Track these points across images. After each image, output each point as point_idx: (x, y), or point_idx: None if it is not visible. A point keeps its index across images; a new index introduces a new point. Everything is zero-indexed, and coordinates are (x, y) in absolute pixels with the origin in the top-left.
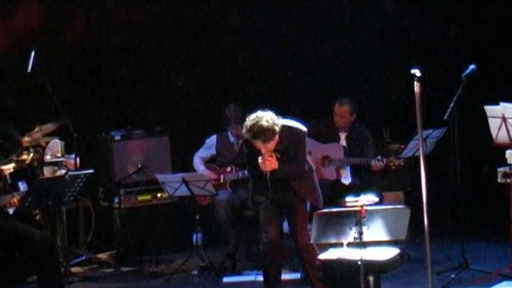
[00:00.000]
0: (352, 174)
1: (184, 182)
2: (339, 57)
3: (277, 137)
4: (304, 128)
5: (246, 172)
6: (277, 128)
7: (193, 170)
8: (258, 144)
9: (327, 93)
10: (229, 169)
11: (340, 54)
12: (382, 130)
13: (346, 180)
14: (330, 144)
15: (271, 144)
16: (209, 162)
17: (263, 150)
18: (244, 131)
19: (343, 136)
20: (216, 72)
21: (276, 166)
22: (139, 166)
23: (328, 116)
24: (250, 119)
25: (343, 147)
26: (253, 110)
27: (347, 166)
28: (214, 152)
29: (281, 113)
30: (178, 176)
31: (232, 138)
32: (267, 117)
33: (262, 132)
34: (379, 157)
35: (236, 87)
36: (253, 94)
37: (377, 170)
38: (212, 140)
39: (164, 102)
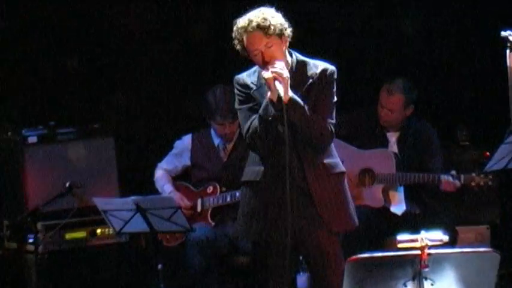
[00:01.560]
0: (408, 199)
1: (140, 210)
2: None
3: (284, 45)
4: (332, 66)
5: (237, 194)
6: (287, 31)
7: (155, 191)
8: (250, 38)
9: (366, 71)
10: (211, 189)
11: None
12: (455, 129)
13: (399, 207)
14: (373, 151)
15: (277, 47)
16: (180, 178)
17: (264, 55)
18: (234, 30)
19: (393, 138)
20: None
21: (287, 78)
22: (68, 185)
23: (370, 106)
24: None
25: (394, 155)
26: None
27: (400, 186)
28: (188, 163)
29: None
30: (130, 201)
31: (217, 141)
32: (267, 10)
33: (263, 18)
34: (452, 172)
35: (224, 64)
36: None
37: (449, 191)
38: (185, 143)
39: (107, 85)
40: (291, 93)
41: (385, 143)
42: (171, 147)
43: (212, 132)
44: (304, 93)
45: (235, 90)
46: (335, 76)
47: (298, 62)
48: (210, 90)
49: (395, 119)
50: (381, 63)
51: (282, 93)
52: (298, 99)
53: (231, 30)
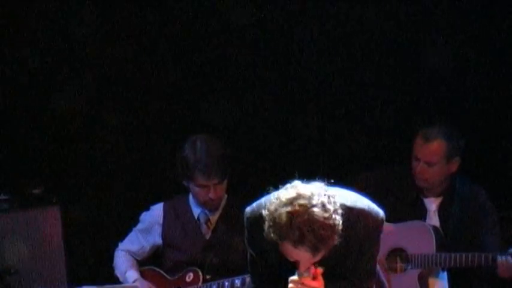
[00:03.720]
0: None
1: None
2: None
3: (336, 238)
4: (380, 212)
5: (226, 284)
6: (339, 223)
7: (115, 280)
8: (292, 250)
9: (396, 118)
10: (190, 277)
11: None
12: None
13: None
14: (405, 224)
15: (321, 255)
16: (149, 262)
17: (301, 263)
18: (267, 223)
19: (433, 206)
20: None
21: None
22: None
23: (401, 164)
24: (285, 198)
25: (434, 229)
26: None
27: (442, 271)
28: (160, 241)
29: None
30: None
31: (197, 211)
32: (320, 198)
33: (314, 233)
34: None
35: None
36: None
37: (508, 277)
38: (154, 215)
39: (52, 135)
40: None
41: (422, 213)
42: (136, 221)
43: (191, 199)
44: (338, 255)
45: (246, 233)
46: (381, 230)
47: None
48: (187, 142)
49: (436, 176)
50: (414, 109)
51: None
52: None
53: None
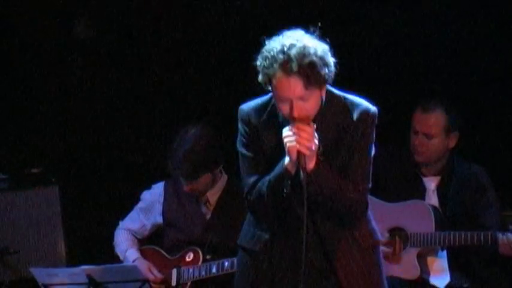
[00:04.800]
0: (453, 267)
1: (94, 283)
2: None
3: (326, 73)
4: (373, 107)
5: (226, 264)
6: (330, 59)
7: (115, 259)
8: (284, 83)
9: (395, 93)
10: (190, 257)
11: None
12: None
13: (441, 279)
14: (404, 203)
15: (313, 101)
16: (149, 241)
17: (294, 105)
18: (260, 62)
19: (432, 185)
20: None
21: (314, 150)
22: None
23: (398, 142)
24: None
25: (433, 208)
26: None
27: (441, 250)
28: (160, 221)
29: None
30: (81, 272)
31: None
32: (313, 43)
33: (306, 57)
34: None
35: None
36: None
37: (509, 255)
38: (156, 194)
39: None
40: (315, 162)
41: (421, 192)
42: (137, 200)
43: None
44: (332, 145)
45: (239, 126)
46: (375, 121)
47: (330, 99)
48: (178, 133)
49: (435, 149)
50: (414, 84)
51: (302, 166)
52: (325, 169)
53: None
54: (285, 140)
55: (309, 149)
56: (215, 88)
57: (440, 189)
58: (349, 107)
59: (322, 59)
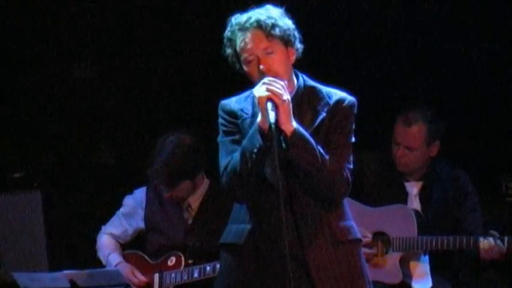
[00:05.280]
0: (435, 271)
1: None
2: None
3: (290, 58)
4: (352, 97)
5: (208, 268)
6: (297, 41)
7: (98, 263)
8: (248, 40)
9: (376, 101)
10: (173, 261)
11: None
12: (498, 180)
13: (423, 283)
14: (386, 208)
15: (279, 56)
16: (132, 246)
17: (262, 63)
18: (225, 33)
19: (414, 190)
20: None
21: (287, 103)
22: None
23: (382, 147)
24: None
25: (415, 212)
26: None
27: (424, 254)
28: (142, 225)
29: None
30: (63, 276)
31: None
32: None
33: (267, 16)
34: (493, 232)
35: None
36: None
37: (490, 260)
38: (138, 199)
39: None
40: (294, 124)
41: (403, 197)
42: (119, 204)
43: None
44: (312, 130)
45: (219, 119)
46: (354, 110)
47: (306, 87)
48: (158, 140)
49: (417, 160)
50: (396, 90)
51: (272, 119)
52: (304, 133)
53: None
54: (255, 92)
55: (280, 97)
56: (196, 94)
57: (422, 194)
58: (326, 93)
59: (280, 16)
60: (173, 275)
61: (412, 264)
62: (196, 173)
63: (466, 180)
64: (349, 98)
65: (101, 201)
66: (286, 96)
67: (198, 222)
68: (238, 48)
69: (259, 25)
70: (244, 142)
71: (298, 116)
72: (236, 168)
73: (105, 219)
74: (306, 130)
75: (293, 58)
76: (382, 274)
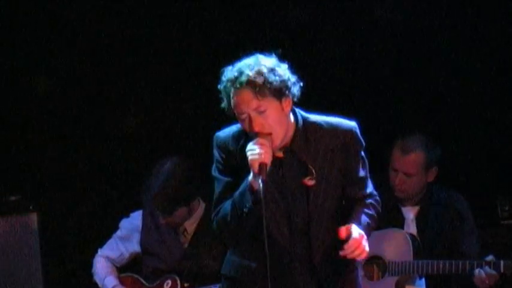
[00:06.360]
0: None
1: None
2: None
3: (285, 108)
4: (352, 122)
5: None
6: (293, 90)
7: (94, 287)
8: (238, 98)
9: (371, 125)
10: (168, 284)
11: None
12: (494, 203)
13: None
14: (382, 231)
15: (272, 113)
16: (127, 269)
17: (253, 123)
18: (220, 85)
19: (410, 215)
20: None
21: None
22: None
23: (380, 172)
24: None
25: (411, 237)
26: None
27: (419, 278)
28: (138, 249)
29: None
30: None
31: None
32: (265, 59)
33: (257, 72)
34: (490, 257)
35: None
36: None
37: (484, 285)
38: (134, 222)
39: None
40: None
41: (399, 221)
42: (116, 228)
43: None
44: (323, 168)
45: (215, 153)
46: (359, 134)
47: (307, 126)
48: (155, 166)
49: (414, 186)
50: (392, 113)
51: (260, 185)
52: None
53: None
54: (248, 153)
55: (261, 159)
56: (193, 119)
57: (419, 219)
58: (330, 130)
59: (272, 69)
60: None
61: None
62: (192, 199)
63: (462, 204)
64: (353, 128)
65: (98, 225)
66: (266, 159)
67: (194, 246)
68: (231, 104)
69: (248, 85)
70: (236, 196)
71: (309, 158)
72: (226, 219)
73: (101, 242)
74: (320, 169)
75: (289, 108)
76: None
